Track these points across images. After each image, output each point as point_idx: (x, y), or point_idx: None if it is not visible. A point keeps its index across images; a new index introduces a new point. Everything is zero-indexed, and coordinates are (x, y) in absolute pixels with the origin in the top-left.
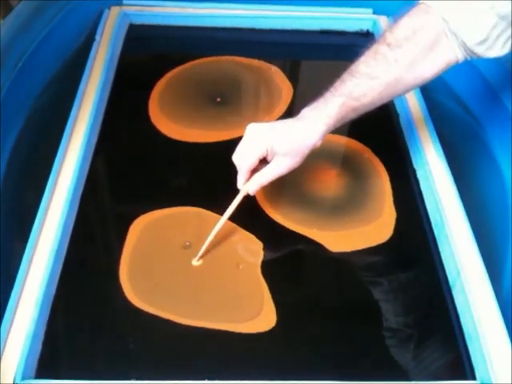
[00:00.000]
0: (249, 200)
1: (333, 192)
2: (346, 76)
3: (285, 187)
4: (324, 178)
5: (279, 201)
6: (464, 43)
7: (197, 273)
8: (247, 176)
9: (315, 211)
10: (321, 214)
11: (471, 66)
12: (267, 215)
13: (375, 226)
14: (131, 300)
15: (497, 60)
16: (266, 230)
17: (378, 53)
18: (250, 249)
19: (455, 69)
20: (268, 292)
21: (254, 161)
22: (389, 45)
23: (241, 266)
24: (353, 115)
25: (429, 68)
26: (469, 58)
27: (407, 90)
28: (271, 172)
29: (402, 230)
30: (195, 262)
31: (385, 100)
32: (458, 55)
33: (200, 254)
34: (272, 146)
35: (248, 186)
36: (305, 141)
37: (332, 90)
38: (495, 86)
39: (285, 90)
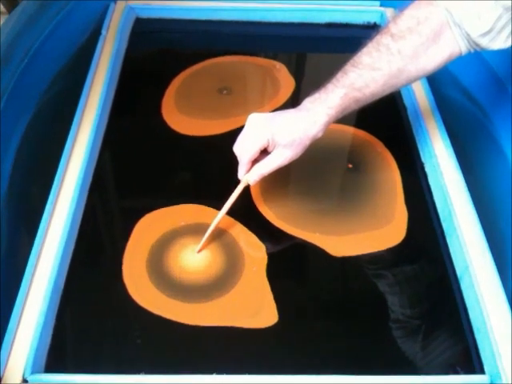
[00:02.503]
0: (247, 202)
1: (341, 189)
2: (348, 67)
3: (289, 184)
4: (332, 173)
5: (280, 202)
6: (468, 35)
7: (200, 270)
8: (248, 166)
9: (320, 211)
10: (326, 216)
11: (479, 59)
12: (268, 220)
13: (386, 231)
14: (136, 298)
15: (505, 52)
16: (267, 234)
17: (381, 44)
18: (253, 244)
19: (463, 61)
20: (269, 289)
21: (254, 151)
22: (392, 36)
23: (244, 263)
24: (355, 106)
25: (432, 59)
26: (472, 50)
27: (410, 82)
28: (272, 163)
29: (411, 224)
30: (196, 253)
31: (387, 91)
32: (462, 47)
33: (201, 245)
34: (273, 137)
35: (248, 176)
36: (306, 131)
37: (334, 80)
38: (503, 79)
39: (285, 85)
